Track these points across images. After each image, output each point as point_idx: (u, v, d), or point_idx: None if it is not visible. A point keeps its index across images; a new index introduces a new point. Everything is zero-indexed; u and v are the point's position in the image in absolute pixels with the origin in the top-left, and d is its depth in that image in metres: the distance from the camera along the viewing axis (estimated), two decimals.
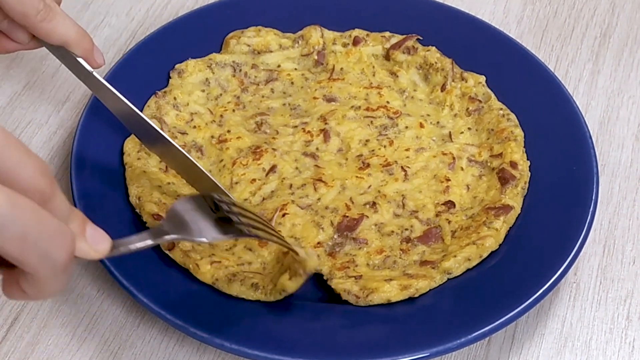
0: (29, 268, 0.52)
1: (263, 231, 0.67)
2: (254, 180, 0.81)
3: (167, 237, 0.60)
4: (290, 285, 0.71)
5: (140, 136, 0.79)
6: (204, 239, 0.63)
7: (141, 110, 0.84)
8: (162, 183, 0.79)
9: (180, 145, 0.82)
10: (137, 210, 0.77)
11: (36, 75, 0.93)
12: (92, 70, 0.76)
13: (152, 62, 0.88)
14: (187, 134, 0.84)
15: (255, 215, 0.69)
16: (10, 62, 0.94)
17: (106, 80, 0.84)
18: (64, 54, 0.75)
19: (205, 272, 0.73)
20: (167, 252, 0.75)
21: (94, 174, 0.79)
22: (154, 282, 0.73)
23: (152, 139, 0.78)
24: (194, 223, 0.63)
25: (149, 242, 0.59)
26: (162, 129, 0.82)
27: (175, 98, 0.86)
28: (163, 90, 0.86)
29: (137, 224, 0.77)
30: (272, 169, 0.82)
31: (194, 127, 0.85)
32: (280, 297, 0.72)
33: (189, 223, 0.63)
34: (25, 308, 0.76)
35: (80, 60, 0.76)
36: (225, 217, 0.65)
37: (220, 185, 0.77)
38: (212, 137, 0.84)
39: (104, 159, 0.81)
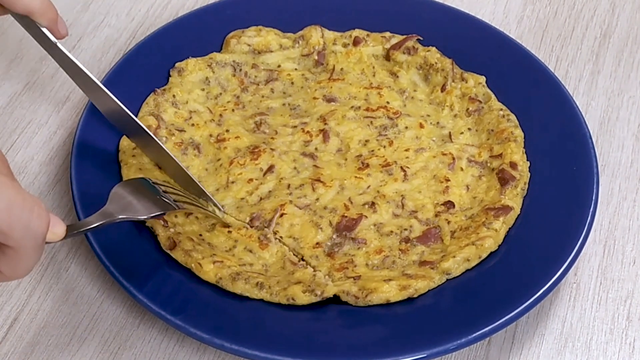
0: (13, 240, 0.57)
1: (193, 206, 0.76)
2: (250, 180, 0.81)
3: (112, 217, 0.68)
4: (303, 298, 0.72)
5: (110, 116, 0.79)
6: (143, 217, 0.70)
7: (139, 108, 0.84)
8: (158, 180, 0.79)
9: (177, 143, 0.82)
10: None
11: (36, 75, 0.93)
12: (56, 41, 0.75)
13: (152, 62, 0.88)
14: (184, 131, 0.84)
15: (186, 195, 0.77)
16: (10, 62, 0.94)
17: (106, 80, 0.84)
18: (29, 23, 0.75)
19: (209, 271, 0.73)
20: (168, 251, 0.75)
21: (94, 173, 0.79)
22: (154, 282, 0.73)
23: (129, 127, 0.78)
24: (135, 203, 0.70)
25: (97, 223, 0.66)
26: (159, 125, 0.82)
27: (174, 96, 0.86)
28: (162, 88, 0.86)
29: (137, 223, 0.77)
30: (270, 168, 0.82)
31: (193, 125, 0.85)
32: (286, 302, 0.72)
33: (131, 203, 0.70)
34: (25, 308, 0.76)
35: (45, 30, 0.75)
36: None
37: (205, 190, 0.78)
38: (211, 135, 0.84)
39: (104, 159, 0.81)
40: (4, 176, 0.58)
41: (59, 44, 0.76)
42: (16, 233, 0.57)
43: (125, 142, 0.82)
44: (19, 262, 0.59)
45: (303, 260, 0.76)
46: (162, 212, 0.72)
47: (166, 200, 0.73)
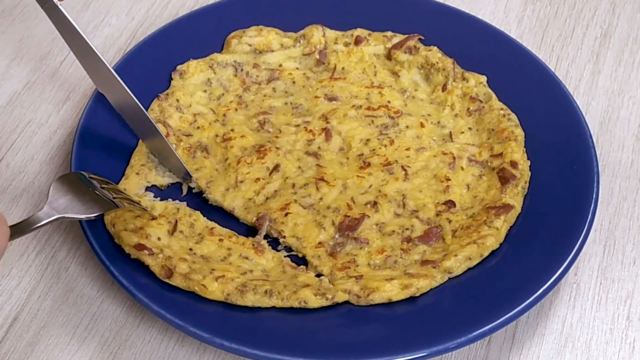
0: None
1: (131, 203, 0.75)
2: (258, 179, 0.81)
3: (55, 216, 0.68)
4: (315, 301, 0.72)
5: (105, 90, 0.79)
6: (84, 216, 0.70)
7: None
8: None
9: (186, 148, 0.82)
10: (116, 240, 0.75)
11: (36, 75, 0.92)
12: (57, 1, 0.74)
13: (153, 62, 0.88)
14: (192, 135, 0.84)
15: (122, 191, 0.76)
16: (10, 62, 0.93)
17: None
18: None
19: (214, 289, 0.72)
20: (166, 280, 0.73)
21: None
22: (154, 282, 0.73)
23: (121, 99, 0.79)
24: (77, 201, 0.70)
25: (41, 223, 0.67)
26: (167, 133, 0.82)
27: (177, 100, 0.86)
28: (165, 92, 0.86)
29: None
30: (276, 168, 0.82)
31: (198, 127, 0.85)
32: (297, 306, 0.72)
33: (72, 201, 0.70)
34: (25, 308, 0.76)
35: None
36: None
37: (183, 164, 0.79)
38: (217, 135, 0.84)
39: (104, 158, 0.81)
40: None
41: (59, 4, 0.74)
42: None
43: (136, 157, 0.82)
44: None
45: (303, 260, 0.76)
46: (101, 213, 0.71)
47: (105, 197, 0.72)
